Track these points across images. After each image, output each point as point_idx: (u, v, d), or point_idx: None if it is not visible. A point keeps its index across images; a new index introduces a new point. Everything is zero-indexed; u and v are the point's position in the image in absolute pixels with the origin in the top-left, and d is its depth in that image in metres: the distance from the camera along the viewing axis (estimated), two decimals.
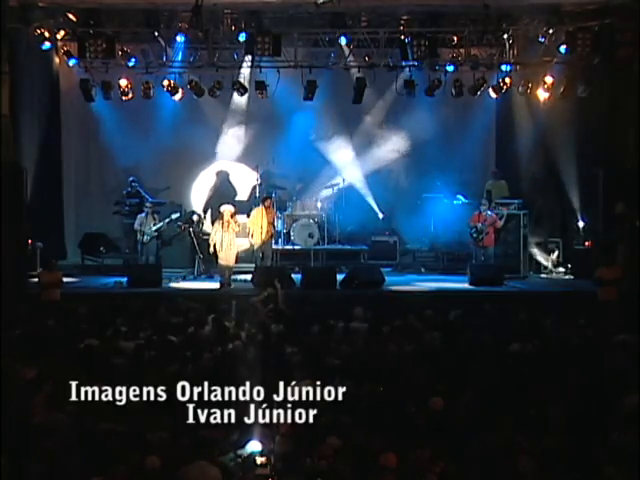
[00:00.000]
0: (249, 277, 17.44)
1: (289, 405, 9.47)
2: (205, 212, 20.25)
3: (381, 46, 18.07)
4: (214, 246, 17.32)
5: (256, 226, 17.95)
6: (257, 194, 19.73)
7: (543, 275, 18.97)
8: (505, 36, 17.45)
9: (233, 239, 17.42)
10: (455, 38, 18.02)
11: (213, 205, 20.19)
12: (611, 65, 17.32)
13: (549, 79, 18.22)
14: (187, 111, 19.83)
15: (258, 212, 18.03)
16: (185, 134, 20.14)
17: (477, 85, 18.46)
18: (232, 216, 17.45)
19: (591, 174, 18.30)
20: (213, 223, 17.96)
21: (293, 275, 17.47)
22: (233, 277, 17.58)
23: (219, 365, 10.64)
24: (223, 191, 20.54)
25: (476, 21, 17.09)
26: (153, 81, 18.52)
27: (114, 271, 18.54)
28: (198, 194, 20.99)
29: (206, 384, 9.92)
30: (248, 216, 18.25)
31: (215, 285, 17.41)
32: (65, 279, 16.09)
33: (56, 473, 7.87)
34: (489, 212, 18.15)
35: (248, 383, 9.81)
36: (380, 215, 20.26)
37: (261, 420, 8.82)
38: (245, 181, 20.83)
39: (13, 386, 9.71)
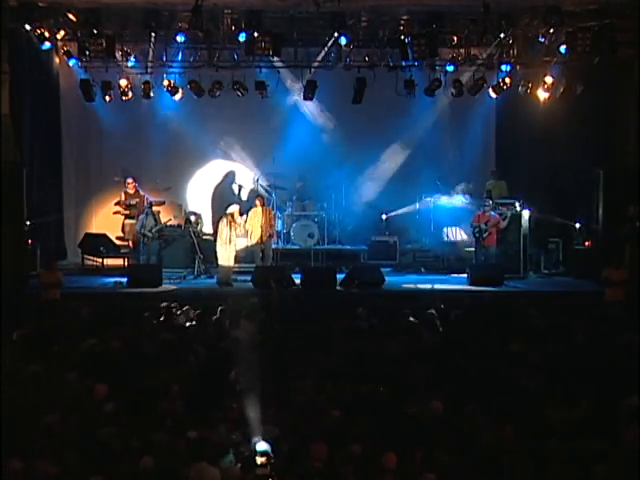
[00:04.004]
0: (249, 277, 17.44)
1: (289, 405, 9.50)
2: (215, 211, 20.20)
3: (381, 46, 18.09)
4: (219, 245, 17.38)
5: (255, 227, 18.00)
6: (256, 194, 19.70)
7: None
8: (505, 36, 17.41)
9: (235, 239, 17.51)
10: (455, 38, 17.99)
11: (214, 205, 20.26)
12: (611, 65, 17.32)
13: (549, 79, 18.22)
14: (187, 111, 19.82)
15: (255, 212, 18.09)
16: (185, 134, 20.14)
17: (477, 85, 18.46)
18: (239, 216, 17.59)
19: (591, 174, 18.31)
20: (217, 223, 17.97)
21: (293, 275, 17.47)
22: (233, 277, 17.60)
23: (219, 365, 10.65)
24: (223, 191, 20.55)
25: (476, 21, 17.07)
26: (153, 81, 18.52)
27: (114, 271, 18.56)
28: (194, 194, 21.01)
29: (206, 384, 9.96)
30: (247, 216, 18.29)
31: (215, 285, 17.44)
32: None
33: (56, 472, 7.87)
34: (492, 213, 18.16)
35: (248, 383, 9.84)
36: (383, 216, 20.22)
37: (261, 420, 8.84)
38: (243, 181, 20.82)
39: (13, 386, 9.72)
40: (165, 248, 18.70)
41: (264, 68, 18.39)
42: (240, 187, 20.40)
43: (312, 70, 18.44)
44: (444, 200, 19.59)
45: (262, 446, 8.17)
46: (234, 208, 17.70)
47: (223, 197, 20.01)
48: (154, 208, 18.88)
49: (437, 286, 17.30)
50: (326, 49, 18.09)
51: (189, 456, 8.07)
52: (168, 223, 18.87)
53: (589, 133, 18.51)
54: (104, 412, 9.17)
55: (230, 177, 20.94)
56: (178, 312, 13.90)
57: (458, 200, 19.57)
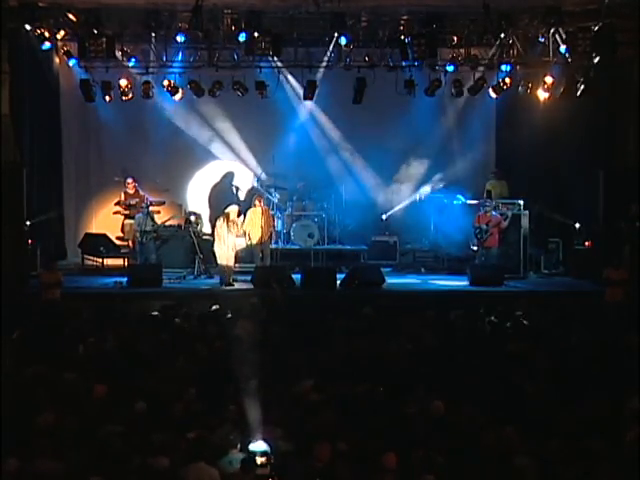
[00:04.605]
0: (249, 277, 17.44)
1: (289, 405, 9.50)
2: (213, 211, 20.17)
3: (381, 46, 18.08)
4: (216, 245, 17.40)
5: (255, 227, 17.99)
6: (255, 194, 19.68)
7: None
8: (505, 36, 17.42)
9: (234, 240, 17.50)
10: (455, 38, 17.98)
11: (213, 205, 20.25)
12: (611, 65, 17.32)
13: (549, 79, 18.20)
14: (187, 111, 19.81)
15: (255, 212, 18.06)
16: (185, 134, 20.15)
17: (477, 85, 18.46)
18: (237, 217, 17.59)
19: (591, 174, 18.30)
20: (214, 222, 17.99)
21: (293, 275, 17.46)
22: (233, 277, 17.59)
23: (219, 365, 10.65)
24: (221, 191, 20.54)
25: (476, 21, 17.07)
26: (153, 81, 18.51)
27: (114, 271, 18.55)
28: (194, 194, 21.01)
29: (206, 384, 9.96)
30: (245, 216, 18.30)
31: (215, 285, 17.44)
32: None
33: (56, 472, 7.88)
34: (494, 213, 18.15)
35: (248, 383, 9.85)
36: (384, 216, 20.24)
37: (261, 420, 8.85)
38: (243, 181, 20.82)
39: (13, 386, 9.72)
40: (161, 247, 18.70)
41: (264, 68, 18.40)
42: (237, 188, 20.39)
43: (312, 70, 18.44)
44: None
45: (259, 446, 8.18)
46: (232, 208, 17.66)
47: (222, 197, 19.97)
48: (154, 208, 18.88)
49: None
50: (326, 49, 18.09)
51: (189, 456, 8.07)
52: (166, 223, 18.87)
53: (589, 133, 18.50)
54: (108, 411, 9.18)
55: (230, 178, 20.94)
56: (178, 312, 13.90)
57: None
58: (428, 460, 7.99)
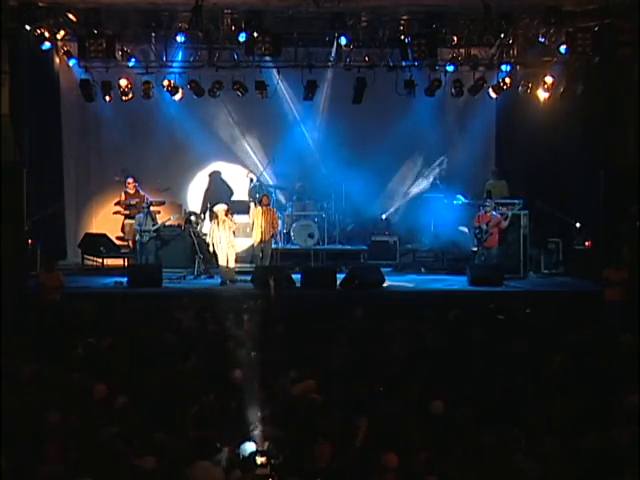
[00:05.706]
0: (249, 277, 17.44)
1: (289, 405, 9.50)
2: (204, 212, 20.21)
3: (381, 46, 18.10)
4: (213, 245, 17.43)
5: (256, 226, 17.99)
6: (256, 194, 19.71)
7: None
8: (505, 36, 17.43)
9: (230, 238, 17.46)
10: (455, 38, 18.01)
11: (210, 205, 20.30)
12: (611, 65, 17.32)
13: (549, 79, 18.23)
14: (187, 111, 19.83)
15: (257, 212, 18.06)
16: (185, 134, 20.15)
17: (477, 85, 18.48)
18: (226, 214, 17.54)
19: (591, 174, 18.30)
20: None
21: (293, 275, 17.47)
22: (234, 277, 17.59)
23: (219, 365, 10.66)
24: (219, 191, 20.54)
25: (476, 21, 17.09)
26: (153, 81, 18.52)
27: (114, 271, 18.56)
28: (195, 194, 21.01)
29: (206, 384, 9.97)
30: (249, 215, 18.29)
31: (215, 285, 17.44)
32: None
33: (53, 472, 7.88)
34: (494, 212, 18.16)
35: (248, 383, 9.85)
36: (383, 216, 20.25)
37: (261, 420, 8.84)
38: (243, 181, 20.81)
39: (13, 386, 9.72)
40: (162, 248, 18.71)
41: (264, 68, 18.41)
42: (230, 188, 20.36)
43: (312, 70, 18.45)
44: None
45: (250, 447, 8.18)
46: (218, 208, 17.65)
47: (221, 197, 19.97)
48: (154, 208, 18.89)
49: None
50: (326, 49, 18.10)
51: (190, 456, 8.07)
52: (167, 223, 18.88)
53: (589, 133, 18.50)
54: (109, 411, 9.17)
55: (229, 177, 20.95)
56: (178, 312, 13.89)
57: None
58: (429, 460, 7.98)
